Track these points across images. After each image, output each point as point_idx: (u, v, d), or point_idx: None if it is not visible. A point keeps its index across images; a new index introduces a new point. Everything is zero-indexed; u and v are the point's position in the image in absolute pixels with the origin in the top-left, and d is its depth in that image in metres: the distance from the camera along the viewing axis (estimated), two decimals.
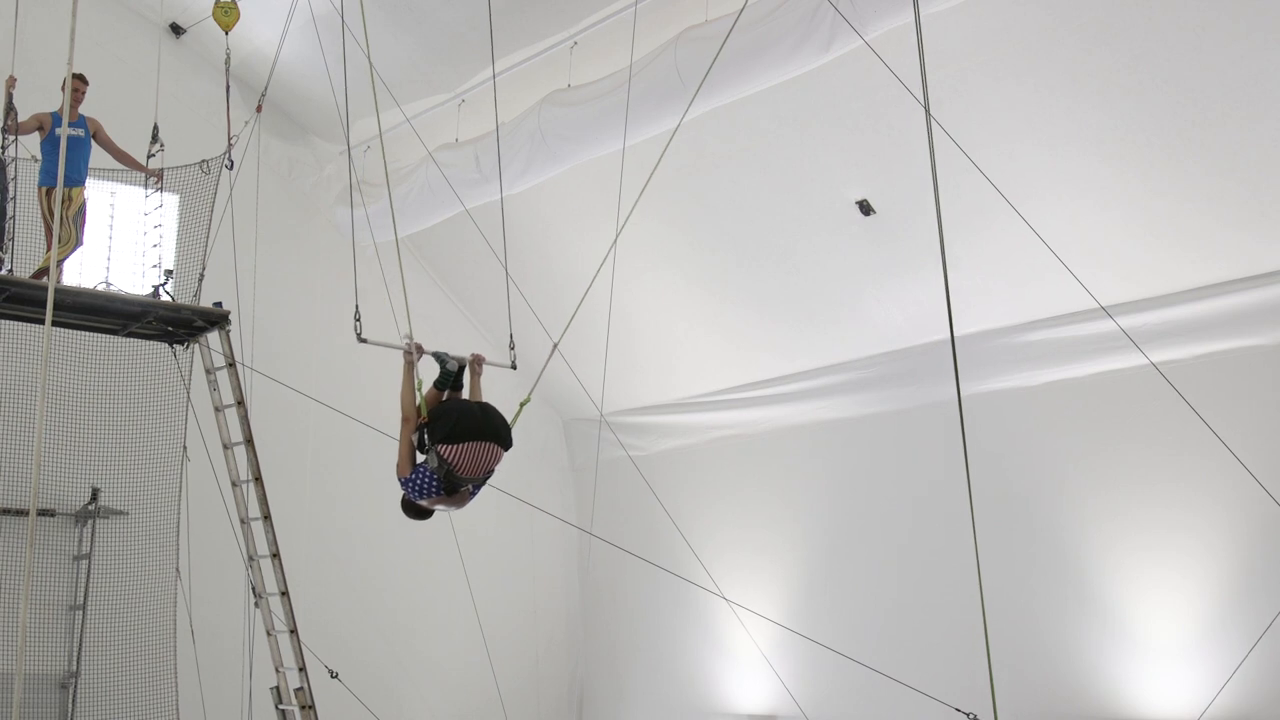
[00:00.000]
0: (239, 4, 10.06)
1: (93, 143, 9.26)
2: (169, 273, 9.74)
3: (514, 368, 7.41)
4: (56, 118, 8.95)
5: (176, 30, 12.49)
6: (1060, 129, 9.16)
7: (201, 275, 10.08)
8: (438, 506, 6.36)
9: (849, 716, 11.34)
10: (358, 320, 6.70)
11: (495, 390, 6.99)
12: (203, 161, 10.18)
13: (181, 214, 10.76)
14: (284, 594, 9.10)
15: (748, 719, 12.65)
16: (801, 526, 12.54)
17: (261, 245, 11.09)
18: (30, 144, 9.16)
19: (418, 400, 6.30)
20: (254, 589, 9.26)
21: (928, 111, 5.28)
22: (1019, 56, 8.92)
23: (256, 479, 9.23)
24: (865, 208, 10.57)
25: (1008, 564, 10.23)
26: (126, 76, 11.35)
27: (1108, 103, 8.82)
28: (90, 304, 9.09)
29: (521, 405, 6.77)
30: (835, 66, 8.95)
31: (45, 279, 8.18)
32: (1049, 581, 10.32)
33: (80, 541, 10.88)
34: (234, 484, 9.43)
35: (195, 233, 10.49)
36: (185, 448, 10.67)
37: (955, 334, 5.66)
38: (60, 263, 8.97)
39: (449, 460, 6.05)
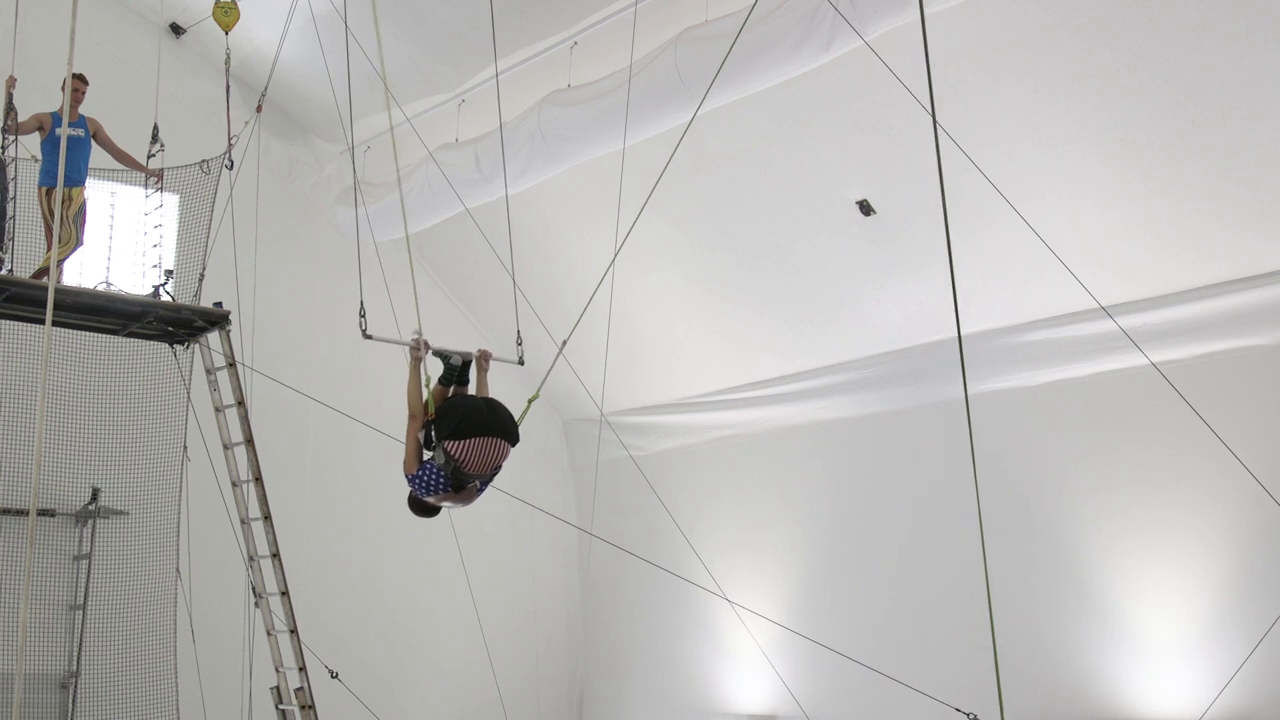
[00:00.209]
0: (239, 4, 10.06)
1: (93, 143, 9.27)
2: (169, 273, 9.74)
3: (521, 363, 7.40)
4: (56, 118, 8.96)
5: (176, 30, 12.49)
6: (1060, 129, 9.16)
7: (201, 275, 10.09)
8: (445, 503, 6.31)
9: (849, 716, 11.34)
10: (363, 316, 6.69)
11: (496, 389, 6.98)
12: (203, 161, 10.18)
13: (181, 214, 10.77)
14: (284, 594, 9.10)
15: (748, 719, 12.66)
16: (802, 526, 12.54)
17: (261, 245, 11.09)
18: (30, 144, 9.17)
19: (425, 396, 6.28)
20: (254, 589, 9.26)
21: (934, 119, 5.26)
22: (1019, 56, 8.91)
23: (257, 479, 9.23)
24: (865, 208, 10.57)
25: (1008, 564, 10.18)
26: (126, 76, 11.36)
27: (1108, 103, 8.82)
28: (90, 304, 9.10)
29: (529, 402, 6.76)
30: (835, 66, 8.95)
31: (45, 279, 8.19)
32: (1049, 581, 10.31)
33: (80, 541, 10.88)
34: (234, 484, 9.44)
35: (195, 233, 10.49)
36: (185, 448, 10.68)
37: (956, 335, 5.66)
38: (60, 263, 8.97)
39: (456, 456, 6.02)
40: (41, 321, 5.87)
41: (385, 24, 10.85)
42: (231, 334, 9.58)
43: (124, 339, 9.98)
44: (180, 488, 10.79)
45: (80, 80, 9.18)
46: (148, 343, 10.17)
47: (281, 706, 9.05)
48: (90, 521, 10.87)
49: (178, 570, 10.64)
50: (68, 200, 8.94)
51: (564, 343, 7.39)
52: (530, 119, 10.57)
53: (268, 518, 9.18)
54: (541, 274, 12.33)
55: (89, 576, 10.73)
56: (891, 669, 8.82)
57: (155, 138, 9.74)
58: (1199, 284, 9.45)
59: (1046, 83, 8.98)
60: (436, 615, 13.48)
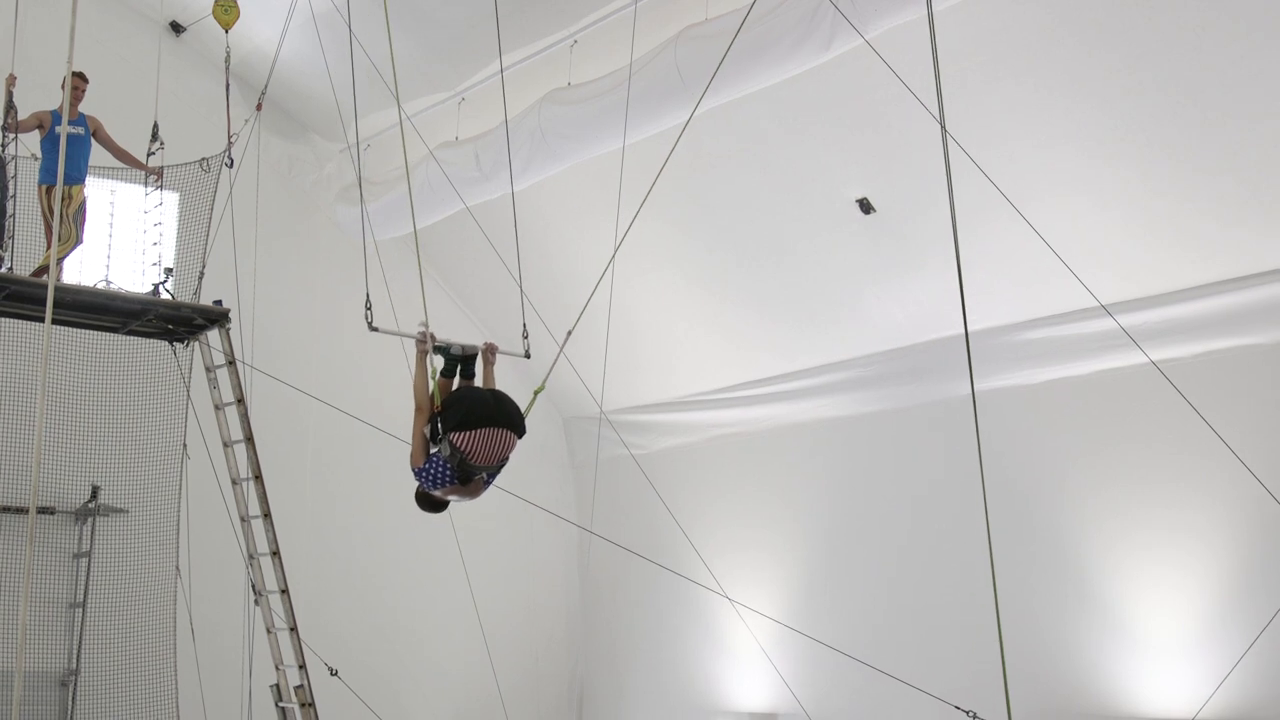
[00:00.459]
0: (239, 2, 10.06)
1: (93, 141, 9.27)
2: (169, 271, 9.75)
3: (528, 356, 7.40)
4: (56, 116, 8.96)
5: (176, 28, 12.50)
6: (1060, 129, 9.16)
7: (201, 273, 10.09)
8: (452, 497, 6.26)
9: (849, 714, 11.35)
10: (368, 309, 6.69)
11: (498, 386, 6.98)
12: (203, 159, 10.19)
13: (181, 212, 10.78)
14: (284, 592, 9.10)
15: (748, 717, 12.66)
16: (802, 524, 12.54)
17: (261, 243, 11.09)
18: (30, 142, 9.17)
19: (431, 389, 6.27)
20: (254, 587, 9.26)
21: (943, 125, 5.26)
22: (1019, 56, 8.91)
23: (256, 477, 9.24)
24: (865, 206, 10.58)
25: (1008, 562, 10.13)
26: (126, 75, 11.36)
27: (1108, 103, 8.82)
28: (90, 302, 9.10)
29: (535, 393, 6.74)
30: (835, 66, 8.95)
31: (45, 277, 8.18)
32: (1049, 579, 10.32)
33: (80, 539, 10.89)
34: (234, 482, 9.44)
35: (195, 231, 10.50)
36: (185, 445, 10.68)
37: (955, 333, 5.66)
38: (60, 261, 8.98)
39: (462, 448, 5.99)
40: (41, 319, 5.87)
41: (385, 23, 10.86)
42: (231, 332, 9.58)
43: (124, 337, 9.98)
44: (180, 485, 10.80)
45: (80, 78, 9.18)
46: (147, 341, 10.18)
47: (281, 704, 9.06)
48: (90, 519, 10.88)
49: (177, 568, 10.65)
50: (67, 198, 8.94)
51: (569, 333, 7.37)
52: (530, 117, 10.57)
53: (267, 515, 9.18)
54: (541, 272, 12.32)
55: (89, 574, 10.74)
56: (891, 667, 8.82)
57: (155, 136, 9.74)
58: (1199, 283, 9.45)
59: (1046, 83, 8.97)
60: (436, 613, 13.49)
